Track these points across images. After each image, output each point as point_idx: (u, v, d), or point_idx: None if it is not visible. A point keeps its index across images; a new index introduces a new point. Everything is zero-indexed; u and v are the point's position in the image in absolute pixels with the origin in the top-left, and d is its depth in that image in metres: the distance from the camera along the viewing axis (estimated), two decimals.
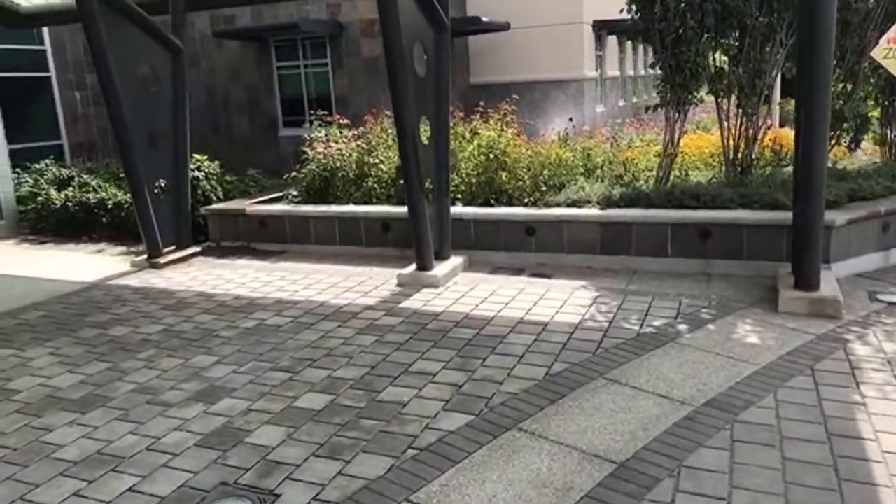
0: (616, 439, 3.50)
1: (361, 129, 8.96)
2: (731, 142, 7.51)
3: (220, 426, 3.85)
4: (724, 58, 7.67)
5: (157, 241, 7.67)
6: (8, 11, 9.57)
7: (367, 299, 6.06)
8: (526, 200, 7.25)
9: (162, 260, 7.61)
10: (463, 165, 7.89)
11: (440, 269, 6.50)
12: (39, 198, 9.67)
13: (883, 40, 6.79)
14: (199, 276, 7.14)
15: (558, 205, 7.04)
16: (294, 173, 8.73)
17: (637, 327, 5.03)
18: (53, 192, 9.61)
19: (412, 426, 3.73)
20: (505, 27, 13.21)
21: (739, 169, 7.42)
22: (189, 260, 7.84)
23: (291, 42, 13.88)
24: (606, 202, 6.87)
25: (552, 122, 12.60)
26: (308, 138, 8.89)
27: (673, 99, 7.19)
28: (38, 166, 10.62)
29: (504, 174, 7.59)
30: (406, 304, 5.86)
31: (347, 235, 7.84)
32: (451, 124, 7.40)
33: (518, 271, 6.76)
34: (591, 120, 13.98)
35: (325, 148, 8.53)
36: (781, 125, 12.86)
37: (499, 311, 5.49)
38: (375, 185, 8.13)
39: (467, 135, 8.46)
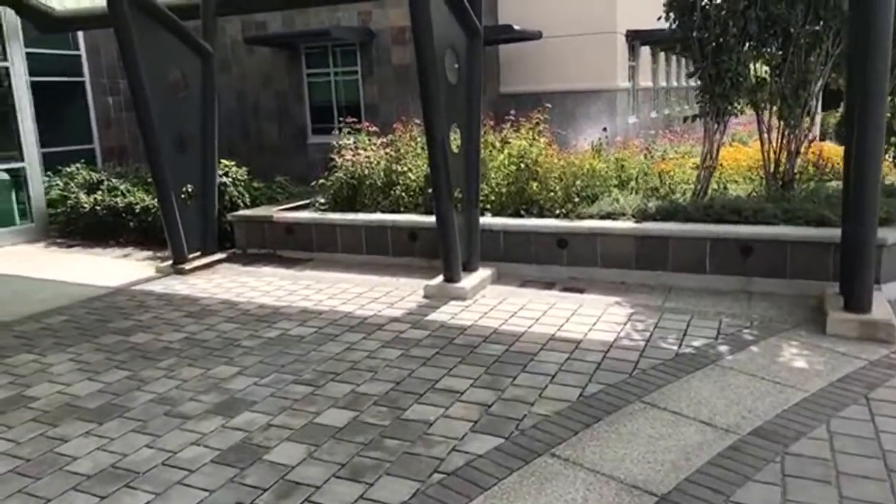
0: (656, 469, 3.28)
1: (390, 136, 8.85)
2: (772, 155, 7.24)
3: (238, 441, 3.70)
4: (766, 68, 7.42)
5: (182, 247, 7.60)
6: (42, 16, 9.65)
7: (392, 311, 5.89)
8: (557, 212, 7.05)
9: (187, 266, 7.53)
10: (493, 175, 7.71)
11: (468, 281, 6.31)
12: (69, 201, 9.70)
13: None
14: (224, 283, 7.04)
15: (591, 217, 6.82)
16: (322, 181, 8.63)
17: (675, 347, 4.78)
18: (83, 196, 9.63)
19: (438, 448, 3.54)
20: (537, 36, 13.02)
21: (781, 183, 7.13)
22: (214, 266, 7.76)
23: (322, 49, 13.85)
24: (642, 215, 6.64)
25: (584, 133, 12.38)
26: (336, 146, 8.79)
27: (712, 109, 6.94)
28: (68, 170, 10.67)
29: (535, 184, 7.39)
30: (433, 316, 5.68)
31: (374, 244, 7.70)
32: (482, 133, 7.24)
33: (549, 285, 6.55)
34: (624, 131, 13.72)
35: (353, 156, 8.42)
36: (822, 138, 12.49)
37: (529, 327, 5.29)
38: (403, 194, 7.99)
39: (497, 144, 8.29)
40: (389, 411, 3.99)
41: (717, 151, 7.15)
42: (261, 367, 4.72)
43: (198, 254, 7.86)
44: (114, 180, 9.98)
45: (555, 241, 6.77)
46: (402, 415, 3.94)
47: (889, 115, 7.28)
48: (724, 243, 6.13)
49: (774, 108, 7.13)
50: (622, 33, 13.97)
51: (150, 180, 8.29)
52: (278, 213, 8.38)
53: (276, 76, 14.30)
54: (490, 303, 5.96)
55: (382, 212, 7.93)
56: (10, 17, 9.51)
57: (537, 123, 8.11)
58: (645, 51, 16.65)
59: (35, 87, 11.23)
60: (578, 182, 7.35)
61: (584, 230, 6.65)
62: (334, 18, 13.11)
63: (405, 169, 8.18)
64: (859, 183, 4.84)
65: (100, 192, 9.67)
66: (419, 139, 8.68)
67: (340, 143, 8.79)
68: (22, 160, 9.70)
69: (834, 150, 9.09)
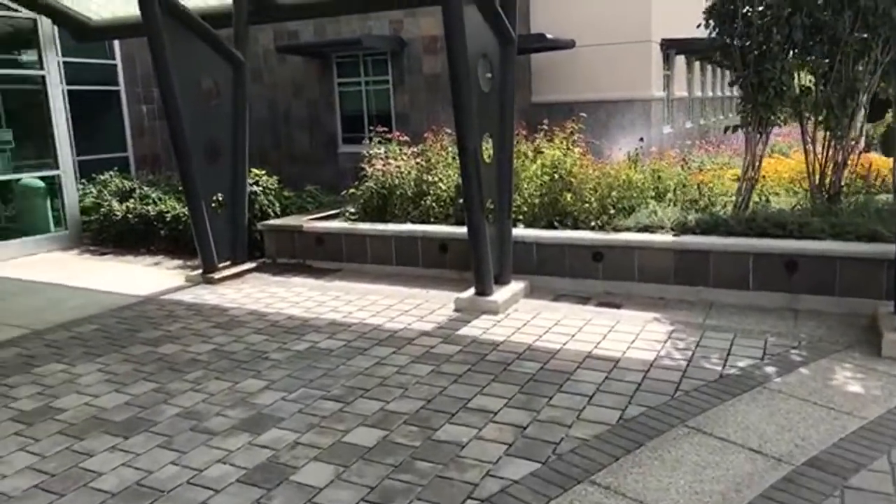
0: (704, 501, 3.08)
1: (421, 146, 8.75)
2: (818, 166, 6.98)
3: (265, 460, 3.58)
4: (810, 76, 7.16)
5: (212, 256, 7.56)
6: (79, 25, 9.75)
7: (422, 324, 5.76)
8: (592, 224, 6.86)
9: (216, 275, 7.49)
10: (525, 185, 7.56)
11: (500, 294, 6.15)
12: (102, 209, 9.76)
13: None
14: (253, 293, 6.98)
15: (628, 229, 6.62)
16: (352, 190, 8.56)
17: (719, 368, 4.57)
18: (115, 204, 9.69)
19: (472, 472, 3.39)
20: (570, 45, 12.86)
21: (826, 196, 6.87)
22: (244, 276, 7.71)
23: (353, 58, 13.86)
24: (681, 228, 6.43)
25: (618, 143, 12.16)
26: (367, 155, 8.72)
27: (755, 119, 6.71)
28: (102, 178, 10.78)
29: (569, 195, 7.22)
30: (464, 331, 5.53)
31: (404, 255, 7.59)
32: (514, 142, 7.09)
33: (584, 299, 6.36)
34: (658, 141, 13.47)
35: (383, 165, 8.33)
36: (866, 150, 12.09)
37: (564, 344, 5.11)
38: (434, 204, 7.87)
39: (530, 153, 8.14)
40: (420, 431, 3.84)
41: (760, 163, 6.91)
42: (289, 382, 4.62)
43: (227, 263, 7.82)
44: (145, 188, 10.05)
45: (590, 254, 6.58)
46: (433, 435, 3.79)
47: None
48: (768, 258, 5.89)
49: (819, 118, 6.87)
50: (657, 42, 13.73)
51: (181, 188, 8.30)
52: (308, 222, 8.31)
53: (308, 85, 14.34)
54: (523, 317, 5.79)
55: (412, 222, 7.82)
56: (47, 26, 9.62)
57: (571, 133, 7.94)
58: (680, 60, 16.39)
59: (71, 96, 11.40)
60: (614, 193, 7.16)
61: (620, 243, 6.45)
62: (366, 27, 13.11)
63: (436, 179, 8.07)
64: None
65: (132, 200, 9.73)
66: (450, 149, 8.57)
67: (371, 152, 8.72)
68: (57, 168, 9.79)
69: (882, 162, 8.77)
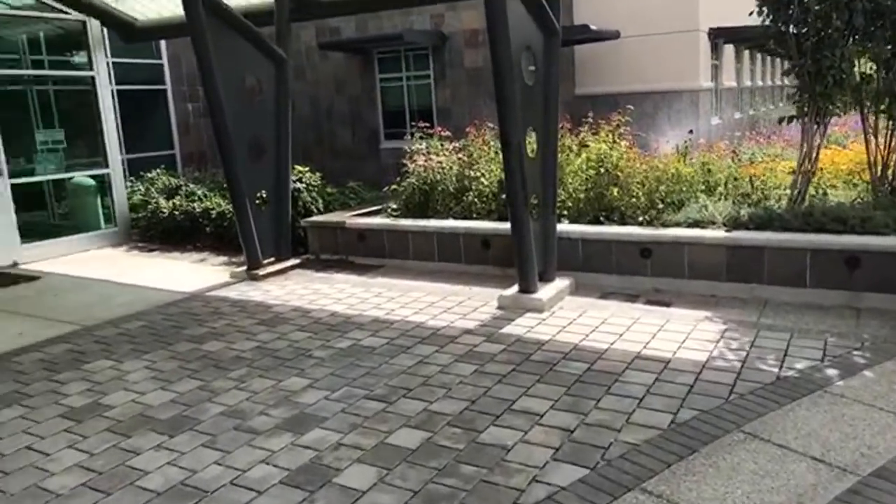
0: None
1: (463, 141, 8.66)
2: (880, 158, 6.65)
3: (308, 461, 3.55)
4: (871, 64, 6.82)
5: (256, 253, 7.61)
6: (125, 26, 9.92)
7: (465, 322, 5.67)
8: (640, 219, 6.68)
9: (261, 272, 7.53)
10: (570, 180, 7.40)
11: (545, 291, 6.02)
12: (149, 206, 9.93)
13: None
14: (297, 289, 6.99)
15: (678, 225, 6.42)
16: (394, 186, 8.52)
17: (776, 370, 4.37)
18: (162, 201, 9.85)
19: (518, 477, 3.29)
20: (615, 36, 12.60)
21: (890, 189, 6.54)
22: (288, 273, 7.74)
23: (394, 53, 13.83)
24: (733, 223, 6.20)
25: (665, 135, 11.87)
26: (409, 151, 8.67)
27: (812, 109, 6.42)
28: (150, 175, 10.97)
29: (616, 190, 7.04)
30: (508, 329, 5.43)
31: (446, 252, 7.51)
32: (559, 136, 6.93)
33: (631, 297, 6.19)
34: (707, 133, 13.10)
35: (425, 161, 8.26)
36: None
37: (612, 344, 4.96)
38: (476, 200, 7.77)
39: (575, 147, 7.97)
40: (464, 433, 3.76)
41: (817, 155, 6.61)
42: (332, 380, 4.58)
43: (272, 260, 7.86)
44: (191, 185, 10.19)
45: (638, 251, 6.40)
46: (477, 438, 3.70)
47: None
48: (827, 254, 5.64)
49: (882, 107, 6.55)
50: (705, 31, 13.35)
51: (225, 186, 8.38)
52: (350, 218, 8.30)
53: (350, 81, 14.37)
54: (568, 316, 5.66)
55: (454, 218, 7.74)
56: (96, 28, 9.81)
57: (617, 126, 7.74)
58: (728, 49, 15.93)
59: (120, 95, 11.63)
60: (662, 187, 6.96)
61: (669, 239, 6.25)
62: (407, 22, 13.05)
63: (478, 174, 7.97)
64: None
65: (178, 198, 9.87)
66: (492, 143, 8.46)
67: (413, 148, 8.67)
68: (106, 166, 10.00)
69: None
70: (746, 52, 18.24)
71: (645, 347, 4.87)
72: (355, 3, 8.89)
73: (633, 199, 6.87)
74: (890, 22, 6.17)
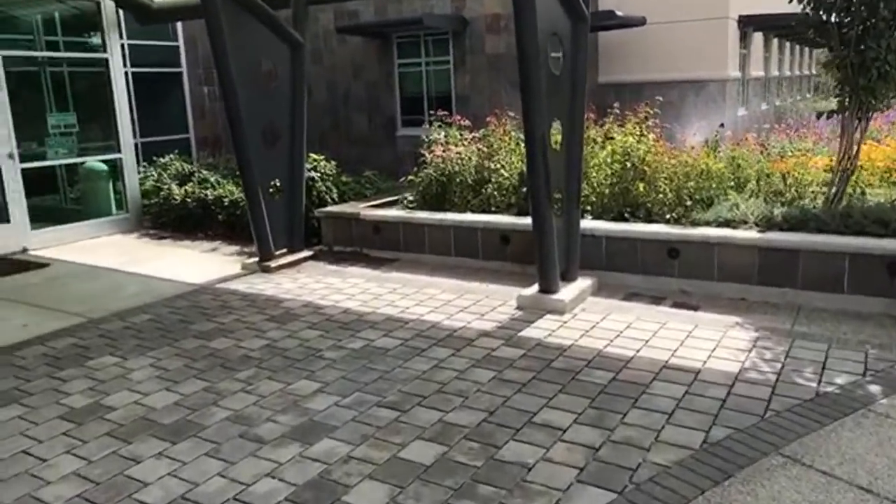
0: None
1: (482, 130, 8.38)
2: None
3: (316, 476, 3.34)
4: None
5: (268, 244, 7.40)
6: (141, 7, 9.72)
7: (483, 323, 5.44)
8: (668, 216, 6.39)
9: (273, 263, 7.33)
10: (594, 174, 7.11)
11: (566, 292, 5.77)
12: (162, 192, 9.76)
13: None
14: (309, 283, 6.79)
15: (707, 224, 6.13)
16: (410, 177, 8.27)
17: (814, 384, 4.10)
18: (174, 188, 9.67)
19: (540, 501, 3.06)
20: (641, 22, 12.21)
21: None
22: (300, 265, 7.53)
23: (414, 38, 13.52)
24: (766, 223, 5.90)
25: (690, 126, 11.50)
26: (426, 139, 8.41)
27: (854, 104, 6.08)
28: (163, 161, 10.79)
29: (642, 185, 6.75)
30: (527, 332, 5.18)
31: (463, 246, 7.27)
32: (584, 128, 6.64)
33: (657, 299, 5.92)
34: (732, 124, 12.70)
35: (443, 151, 8.00)
36: None
37: (638, 351, 4.71)
38: (495, 193, 7.51)
39: (599, 139, 7.67)
40: (482, 448, 3.53)
41: (857, 152, 6.27)
42: (343, 385, 4.37)
43: (284, 251, 7.65)
44: (204, 172, 10.00)
45: (665, 250, 6.12)
46: (496, 454, 3.48)
47: None
48: (867, 259, 5.33)
49: None
50: (734, 18, 12.92)
51: (238, 173, 8.17)
52: (365, 210, 8.07)
53: (367, 66, 14.09)
54: (591, 318, 5.40)
55: (473, 211, 7.49)
56: (110, 9, 9.61)
57: (646, 117, 7.42)
58: (757, 37, 15.45)
59: (135, 78, 11.46)
60: (691, 183, 6.66)
61: (698, 238, 5.97)
62: (427, 6, 12.73)
63: (498, 166, 7.70)
64: None
65: (190, 184, 9.69)
66: (513, 133, 8.18)
67: (430, 137, 8.41)
68: (119, 151, 9.83)
69: None
70: (775, 41, 17.73)
71: (673, 355, 4.61)
72: None
73: (661, 196, 6.58)
74: None
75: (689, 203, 6.49)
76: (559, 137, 5.98)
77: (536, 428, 3.72)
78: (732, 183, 7.09)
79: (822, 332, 4.97)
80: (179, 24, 12.66)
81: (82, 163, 9.75)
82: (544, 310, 5.60)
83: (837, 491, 3.06)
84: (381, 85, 14.02)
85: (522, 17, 5.13)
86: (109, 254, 8.42)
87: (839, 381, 4.13)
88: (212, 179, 9.67)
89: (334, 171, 9.07)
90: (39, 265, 7.92)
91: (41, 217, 9.06)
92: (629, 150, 7.01)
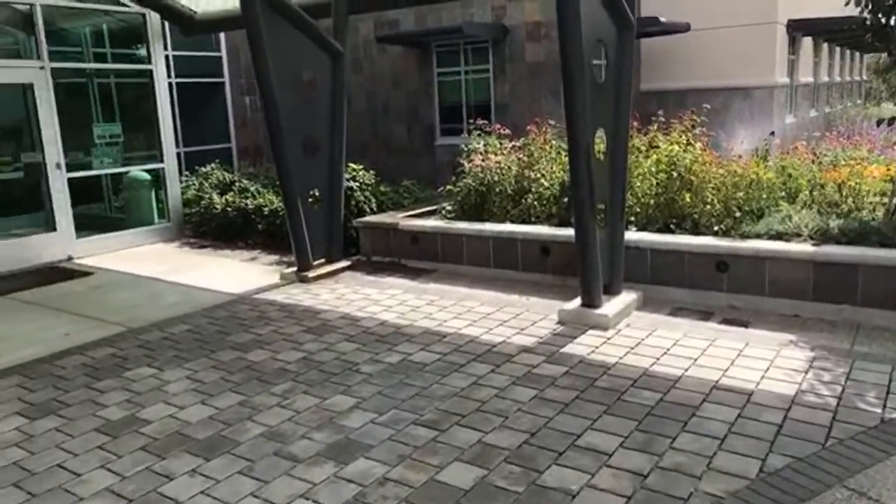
0: None
1: (523, 139, 8.23)
2: None
3: (350, 499, 3.23)
4: None
5: (307, 254, 7.37)
6: (184, 18, 9.84)
7: (523, 337, 5.28)
8: (715, 228, 6.15)
9: (311, 273, 7.29)
10: (638, 183, 6.90)
11: (610, 306, 5.58)
12: (203, 201, 9.84)
13: None
14: (347, 294, 6.72)
15: (758, 236, 5.88)
16: (449, 186, 8.16)
17: (879, 410, 3.85)
18: (216, 197, 9.74)
19: None
20: (684, 28, 11.92)
21: None
22: (338, 275, 7.48)
23: (453, 47, 13.44)
24: (822, 236, 5.63)
25: (735, 134, 11.18)
26: (465, 148, 8.30)
27: None
28: (204, 170, 10.90)
29: (688, 195, 6.52)
30: (569, 348, 5.01)
31: (502, 257, 7.12)
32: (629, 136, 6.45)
33: (705, 315, 5.69)
34: (781, 132, 12.31)
35: (482, 160, 7.88)
36: None
37: (686, 370, 4.50)
38: (535, 203, 7.35)
39: (643, 148, 7.45)
40: (523, 473, 3.38)
41: None
42: (379, 401, 4.27)
43: (322, 261, 7.62)
44: (244, 181, 10.05)
45: (713, 264, 5.88)
46: (537, 479, 3.32)
47: None
48: None
49: None
50: (783, 23, 12.54)
51: (278, 182, 8.18)
52: (403, 220, 7.99)
53: (407, 75, 14.06)
54: (636, 335, 5.20)
55: (512, 222, 7.34)
56: (156, 21, 9.75)
57: (692, 125, 7.18)
58: (807, 42, 14.99)
59: (179, 88, 11.62)
60: (740, 194, 6.41)
61: (749, 252, 5.72)
62: (467, 14, 12.64)
63: (538, 175, 7.54)
64: None
65: (231, 193, 9.75)
66: (554, 142, 8.01)
67: (469, 146, 8.29)
68: (161, 161, 9.95)
69: None
70: (825, 46, 17.19)
71: (724, 375, 4.40)
72: None
73: (708, 207, 6.34)
74: None
75: (738, 214, 6.24)
76: (602, 146, 5.81)
77: (580, 451, 3.56)
78: (783, 193, 6.81)
79: (885, 353, 4.70)
80: (222, 35, 12.82)
81: (126, 172, 9.89)
82: (587, 325, 5.42)
83: None
84: (420, 94, 13.97)
85: (567, 24, 4.98)
86: (151, 262, 8.50)
87: None
88: (252, 189, 9.71)
89: (373, 181, 9.02)
90: (83, 273, 8.03)
91: (85, 225, 9.21)
92: (675, 159, 6.79)
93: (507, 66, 12.76)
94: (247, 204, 9.29)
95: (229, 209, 9.41)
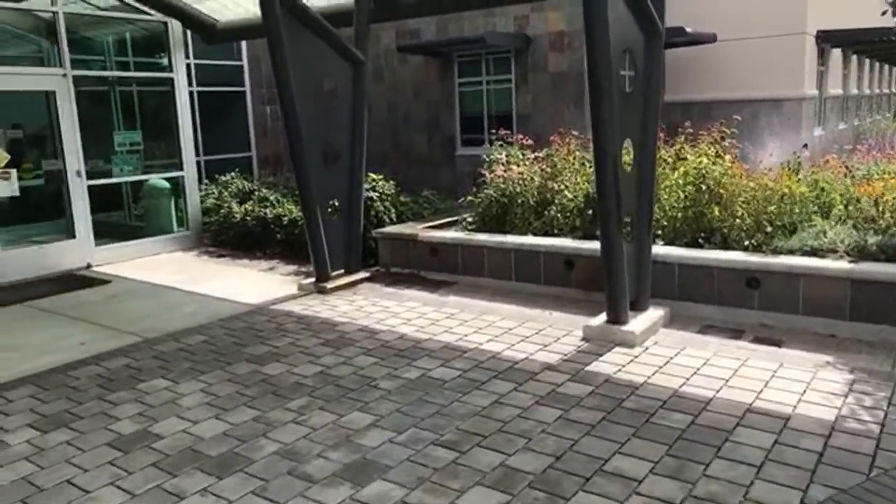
0: None
1: (546, 150, 8.09)
2: None
3: None
4: None
5: (325, 265, 7.26)
6: (206, 27, 9.84)
7: (546, 354, 5.12)
8: (746, 243, 5.95)
9: (329, 285, 7.18)
10: (665, 196, 6.72)
11: (637, 323, 5.39)
12: (222, 210, 9.79)
13: None
14: (365, 306, 6.60)
15: (791, 252, 5.67)
16: (470, 197, 8.03)
17: None
18: (235, 206, 9.68)
19: None
20: (711, 39, 11.77)
21: None
22: (356, 286, 7.36)
23: (475, 57, 13.34)
24: (859, 253, 5.41)
25: (763, 146, 10.94)
26: (486, 159, 8.18)
27: None
28: (224, 179, 10.87)
29: (717, 209, 6.33)
30: (595, 366, 4.84)
31: (524, 271, 6.96)
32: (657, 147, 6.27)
33: (736, 333, 5.48)
34: (810, 145, 12.04)
35: (504, 171, 7.74)
36: None
37: (718, 391, 4.31)
38: (559, 215, 7.19)
39: (670, 160, 7.28)
40: (548, 499, 3.22)
41: None
42: (398, 419, 4.12)
43: (341, 272, 7.50)
44: (264, 190, 10.00)
45: (743, 280, 5.68)
46: None
47: None
48: None
49: None
50: (812, 34, 12.32)
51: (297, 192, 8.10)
52: (423, 231, 7.86)
53: (428, 85, 13.98)
54: (664, 353, 5.02)
55: (534, 234, 7.19)
56: (178, 29, 9.76)
57: (722, 138, 7.00)
58: (836, 53, 14.74)
59: (200, 97, 11.64)
60: (772, 208, 6.20)
61: (782, 268, 5.52)
62: (489, 24, 12.54)
63: (562, 187, 7.39)
64: None
65: (250, 202, 9.69)
66: (577, 153, 7.86)
67: (491, 157, 8.17)
68: (181, 169, 9.93)
69: None
70: (854, 57, 16.89)
71: (757, 398, 4.20)
72: (437, 3, 8.44)
73: (738, 221, 6.14)
74: None
75: (769, 229, 6.03)
76: (629, 157, 5.65)
77: (608, 477, 3.38)
78: (816, 208, 6.59)
79: None
80: (244, 44, 12.86)
81: (146, 180, 9.88)
82: (613, 342, 5.24)
83: None
84: (442, 104, 13.88)
85: (594, 32, 4.85)
86: (169, 271, 8.44)
87: None
88: (271, 198, 9.64)
89: (393, 191, 8.91)
90: (101, 282, 7.99)
91: (104, 233, 9.19)
92: (704, 171, 6.60)
93: (530, 76, 12.63)
94: (266, 213, 9.23)
95: (248, 218, 9.35)
